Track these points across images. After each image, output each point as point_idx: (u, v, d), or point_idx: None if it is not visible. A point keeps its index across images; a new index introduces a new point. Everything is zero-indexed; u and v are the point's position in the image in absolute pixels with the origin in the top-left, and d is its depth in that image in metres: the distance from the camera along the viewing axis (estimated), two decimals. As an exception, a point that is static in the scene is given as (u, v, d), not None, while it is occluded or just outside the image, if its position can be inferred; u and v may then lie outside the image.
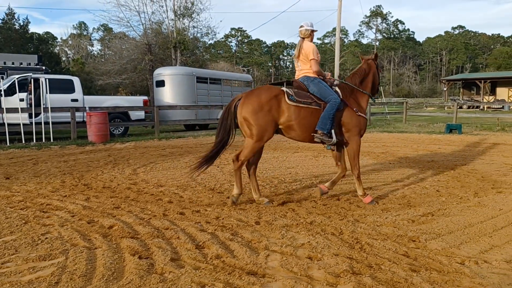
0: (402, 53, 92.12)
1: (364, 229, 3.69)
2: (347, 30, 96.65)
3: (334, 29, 24.65)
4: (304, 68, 4.91)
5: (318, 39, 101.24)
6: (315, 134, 4.68)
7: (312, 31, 4.94)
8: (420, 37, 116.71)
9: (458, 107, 18.34)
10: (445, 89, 43.42)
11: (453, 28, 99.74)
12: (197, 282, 2.60)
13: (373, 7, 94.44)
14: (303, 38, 4.94)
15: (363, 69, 5.12)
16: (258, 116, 4.43)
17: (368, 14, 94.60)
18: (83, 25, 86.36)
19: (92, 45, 77.62)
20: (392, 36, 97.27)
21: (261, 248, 3.21)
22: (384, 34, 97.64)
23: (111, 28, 55.39)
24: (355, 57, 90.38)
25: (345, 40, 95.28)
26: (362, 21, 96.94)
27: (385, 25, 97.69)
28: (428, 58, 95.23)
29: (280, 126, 4.63)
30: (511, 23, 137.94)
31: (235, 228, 3.70)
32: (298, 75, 4.99)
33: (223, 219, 4.00)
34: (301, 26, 4.96)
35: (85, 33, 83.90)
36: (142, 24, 28.41)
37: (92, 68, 37.64)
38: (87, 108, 12.16)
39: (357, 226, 3.79)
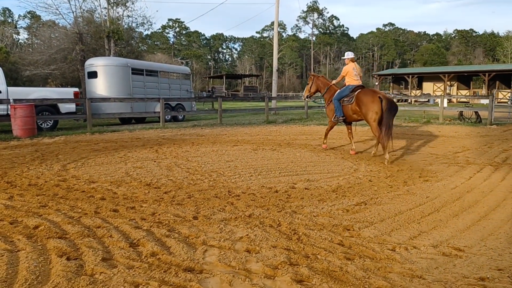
0: (337, 48, 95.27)
1: (301, 220, 3.74)
2: (285, 25, 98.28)
3: (273, 23, 24.89)
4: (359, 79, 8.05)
5: (256, 32, 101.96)
6: None
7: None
8: (354, 33, 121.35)
9: (389, 100, 19.28)
10: (377, 83, 45.57)
11: (384, 25, 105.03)
12: (130, 282, 2.49)
13: (310, 2, 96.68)
14: (354, 62, 8.22)
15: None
16: None
17: (305, 9, 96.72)
18: (7, 11, 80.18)
19: (18, 34, 72.37)
20: (328, 31, 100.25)
21: (199, 244, 3.14)
22: (320, 29, 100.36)
23: (39, 16, 52.03)
24: (293, 51, 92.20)
25: (283, 34, 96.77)
26: (299, 16, 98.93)
27: (321, 21, 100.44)
28: (361, 53, 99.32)
29: None
30: (436, 22, 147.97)
31: (172, 224, 3.60)
32: (359, 83, 8.02)
33: (159, 215, 3.88)
34: (354, 55, 8.33)
35: (9, 20, 77.91)
36: (73, 12, 26.93)
37: (18, 58, 35.09)
38: (11, 100, 11.28)
39: (294, 217, 3.84)
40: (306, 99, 8.84)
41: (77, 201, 4.39)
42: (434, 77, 41.80)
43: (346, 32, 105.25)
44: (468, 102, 33.00)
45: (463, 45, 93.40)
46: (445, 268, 2.72)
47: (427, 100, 34.94)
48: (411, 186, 5.23)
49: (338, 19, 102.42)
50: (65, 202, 4.35)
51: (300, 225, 3.61)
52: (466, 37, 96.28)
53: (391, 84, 47.68)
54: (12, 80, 31.08)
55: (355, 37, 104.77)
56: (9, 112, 11.24)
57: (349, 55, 8.25)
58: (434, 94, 39.56)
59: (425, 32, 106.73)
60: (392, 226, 3.60)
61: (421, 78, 44.07)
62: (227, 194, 4.77)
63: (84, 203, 4.28)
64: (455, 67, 51.08)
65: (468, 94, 39.21)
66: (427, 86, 43.29)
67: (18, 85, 27.08)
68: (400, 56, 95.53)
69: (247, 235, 3.32)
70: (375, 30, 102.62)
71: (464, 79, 42.07)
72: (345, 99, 7.94)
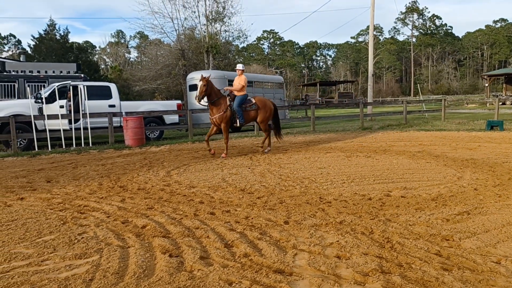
0: (441, 49, 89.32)
1: (395, 229, 3.62)
2: (381, 28, 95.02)
3: (368, 27, 24.17)
4: None
5: (351, 37, 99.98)
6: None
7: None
8: (459, 32, 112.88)
9: (501, 103, 17.57)
10: (486, 85, 41.75)
11: (495, 22, 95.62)
12: (225, 279, 2.64)
13: (409, 3, 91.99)
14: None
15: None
16: None
17: (404, 10, 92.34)
18: (120, 33, 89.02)
19: (129, 53, 80.00)
20: (429, 32, 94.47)
21: (289, 247, 3.21)
22: (420, 30, 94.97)
23: (147, 35, 57.03)
24: (391, 54, 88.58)
25: (380, 37, 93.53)
26: (397, 18, 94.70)
27: (422, 21, 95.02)
28: (469, 53, 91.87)
29: None
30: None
31: (264, 228, 3.72)
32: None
33: (252, 218, 4.03)
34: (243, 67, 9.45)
35: (122, 41, 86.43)
36: (176, 30, 29.06)
37: (129, 75, 38.78)
38: (123, 113, 12.52)
39: (388, 225, 3.72)
40: (200, 103, 8.74)
41: (179, 204, 4.75)
42: (557, 75, 37.03)
43: (450, 31, 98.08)
44: None
45: None
46: (561, 286, 2.44)
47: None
48: (524, 195, 4.73)
49: (441, 18, 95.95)
50: (168, 205, 4.73)
51: (394, 233, 3.49)
52: None
53: (504, 85, 43.24)
54: (125, 95, 34.40)
55: (460, 36, 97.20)
56: (121, 124, 12.48)
57: (243, 67, 9.51)
58: (557, 94, 35.03)
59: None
60: (498, 237, 3.30)
61: (541, 77, 39.31)
62: (318, 200, 4.78)
63: (185, 206, 4.61)
64: None
65: None
66: (548, 86, 38.49)
67: (130, 100, 29.89)
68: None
69: (338, 241, 3.31)
70: (483, 28, 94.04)
71: None
72: (246, 106, 9.17)
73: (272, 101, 9.85)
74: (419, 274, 2.63)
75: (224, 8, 28.39)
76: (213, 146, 11.35)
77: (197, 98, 8.57)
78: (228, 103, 8.95)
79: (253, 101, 9.35)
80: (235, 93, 9.19)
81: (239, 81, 9.21)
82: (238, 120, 9.09)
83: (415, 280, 2.55)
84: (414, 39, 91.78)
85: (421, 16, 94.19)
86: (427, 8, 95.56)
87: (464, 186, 5.38)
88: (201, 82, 8.55)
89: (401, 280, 2.54)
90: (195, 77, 17.83)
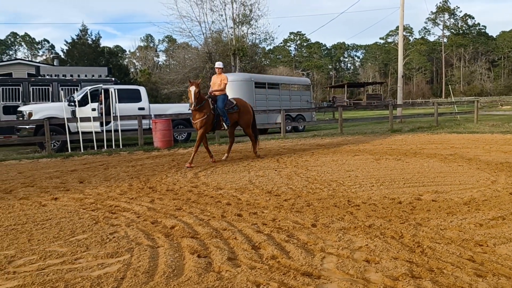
0: (473, 49, 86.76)
1: (426, 233, 3.54)
2: (411, 28, 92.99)
3: (398, 27, 23.81)
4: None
5: (380, 38, 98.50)
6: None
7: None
8: (493, 32, 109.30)
9: (537, 104, 16.91)
10: (522, 85, 40.27)
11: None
12: (253, 281, 2.65)
13: (440, 2, 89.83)
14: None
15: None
16: None
17: (434, 10, 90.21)
18: (149, 37, 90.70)
19: (158, 56, 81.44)
20: (461, 32, 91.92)
21: (317, 250, 3.19)
22: (452, 30, 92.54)
23: (175, 39, 57.97)
24: (421, 55, 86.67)
25: (410, 38, 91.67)
26: (427, 18, 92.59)
27: (453, 21, 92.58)
28: (503, 53, 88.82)
29: None
30: None
31: (291, 230, 3.71)
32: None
33: (279, 221, 4.03)
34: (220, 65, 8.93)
35: (151, 45, 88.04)
36: (203, 34, 29.44)
37: (158, 78, 39.49)
38: (152, 116, 12.75)
39: (419, 229, 3.64)
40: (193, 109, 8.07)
41: (206, 205, 4.80)
42: None
43: (484, 31, 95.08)
44: None
45: None
46: None
47: None
48: None
49: (473, 18, 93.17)
50: (196, 206, 4.79)
51: (425, 238, 3.41)
52: None
53: (541, 85, 41.60)
54: (153, 98, 35.03)
55: (495, 36, 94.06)
56: (151, 126, 12.71)
57: (223, 65, 9.15)
58: None
59: None
60: (536, 244, 3.18)
61: None
62: (347, 203, 4.73)
63: (212, 208, 4.66)
64: None
65: None
66: None
67: (158, 102, 30.43)
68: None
69: (367, 245, 3.27)
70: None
71: None
72: (227, 108, 8.59)
73: (249, 104, 9.46)
74: (451, 279, 2.57)
75: (251, 10, 28.59)
76: (238, 148, 11.41)
77: (192, 105, 7.93)
78: (211, 106, 8.36)
79: (234, 102, 8.80)
80: (216, 92, 8.66)
81: (222, 79, 8.70)
82: (224, 124, 8.59)
83: (447, 286, 2.48)
84: (445, 40, 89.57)
85: (452, 16, 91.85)
86: (458, 8, 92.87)
87: (498, 190, 5.21)
88: (193, 88, 7.83)
89: (432, 285, 2.48)
90: (222, 79, 17.99)
